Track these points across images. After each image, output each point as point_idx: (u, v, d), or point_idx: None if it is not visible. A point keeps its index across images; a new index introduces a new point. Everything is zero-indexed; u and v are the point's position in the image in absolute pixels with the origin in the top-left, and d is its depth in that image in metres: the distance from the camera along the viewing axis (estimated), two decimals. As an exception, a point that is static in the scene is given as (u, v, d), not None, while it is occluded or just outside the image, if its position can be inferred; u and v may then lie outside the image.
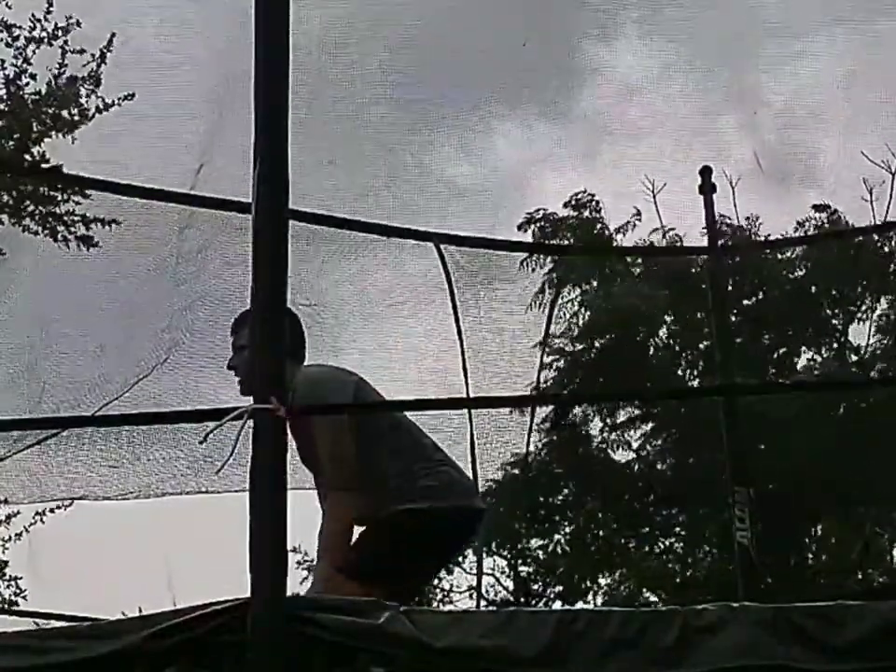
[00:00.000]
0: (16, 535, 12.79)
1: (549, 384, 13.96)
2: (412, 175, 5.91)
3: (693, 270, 12.72)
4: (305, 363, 4.40)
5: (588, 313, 14.22)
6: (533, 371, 6.38)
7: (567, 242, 14.24)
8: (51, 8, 9.94)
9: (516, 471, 14.25)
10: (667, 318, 14.26)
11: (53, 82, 10.07)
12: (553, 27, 5.59)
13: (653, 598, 15.75)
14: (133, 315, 5.41)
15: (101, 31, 9.73)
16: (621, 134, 7.07)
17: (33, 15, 10.01)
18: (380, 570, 4.03)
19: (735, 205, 13.62)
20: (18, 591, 13.34)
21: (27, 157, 9.99)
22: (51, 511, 12.17)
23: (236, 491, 3.28)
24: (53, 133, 10.05)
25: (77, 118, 10.06)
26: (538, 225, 14.08)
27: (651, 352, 14.50)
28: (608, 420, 14.87)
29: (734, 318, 13.30)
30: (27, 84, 10.12)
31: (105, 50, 9.80)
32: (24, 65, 10.09)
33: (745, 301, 13.87)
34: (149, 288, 5.35)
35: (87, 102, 10.06)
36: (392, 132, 5.71)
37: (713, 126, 6.51)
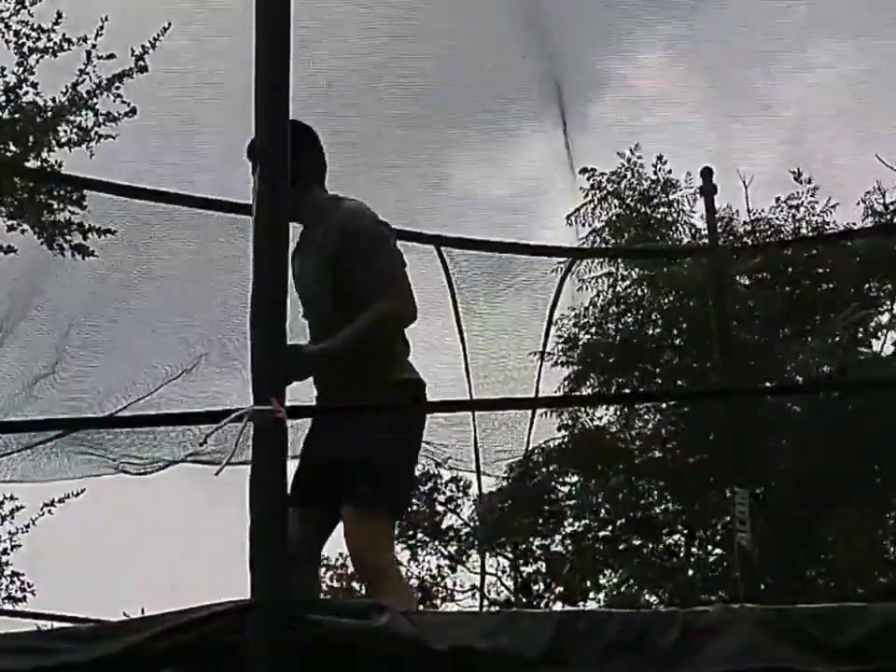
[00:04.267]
0: (24, 527, 12.82)
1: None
2: (430, 185, 5.98)
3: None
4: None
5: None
6: (539, 372, 6.40)
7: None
8: (60, 20, 9.96)
9: (518, 472, 14.28)
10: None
11: (70, 90, 10.08)
12: (570, 39, 5.63)
13: (654, 599, 15.76)
14: (159, 321, 5.48)
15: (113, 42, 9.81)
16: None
17: (40, 26, 10.02)
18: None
19: (747, 207, 13.67)
20: (25, 586, 13.39)
21: (37, 163, 10.01)
22: (60, 500, 12.21)
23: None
24: (68, 142, 10.07)
25: (94, 126, 10.08)
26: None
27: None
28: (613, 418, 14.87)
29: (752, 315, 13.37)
30: (26, 93, 10.14)
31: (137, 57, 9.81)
32: (26, 75, 10.10)
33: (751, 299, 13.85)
34: (174, 297, 5.42)
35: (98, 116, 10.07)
36: (409, 142, 5.77)
37: (728, 131, 6.57)
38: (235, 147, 4.50)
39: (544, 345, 6.22)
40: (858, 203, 13.44)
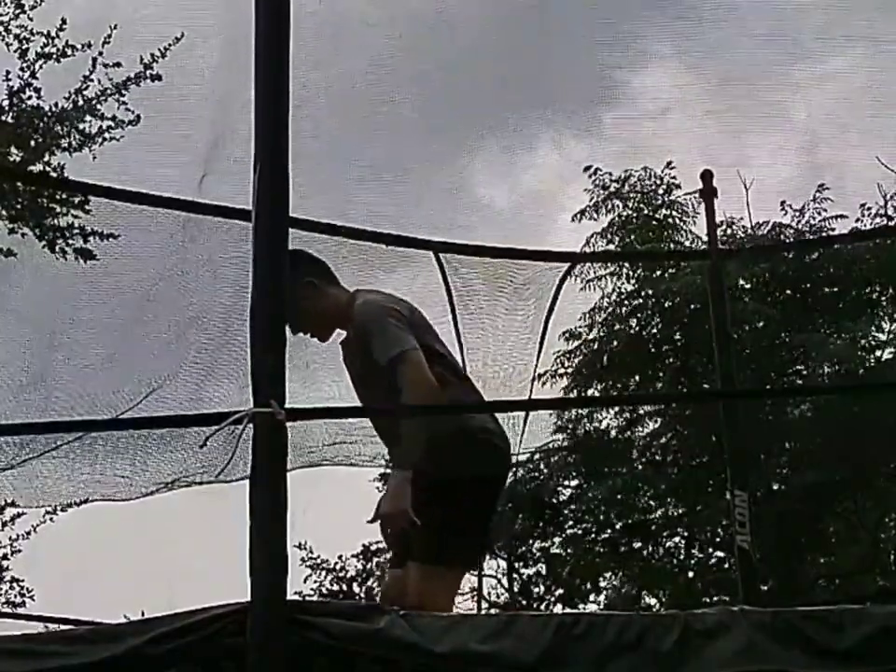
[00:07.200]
0: (25, 533, 12.84)
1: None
2: (441, 194, 6.00)
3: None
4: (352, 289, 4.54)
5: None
6: (535, 374, 6.40)
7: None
8: (64, 25, 10.00)
9: (517, 473, 14.27)
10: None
11: (74, 95, 10.11)
12: (581, 48, 5.66)
13: (653, 601, 15.77)
14: (142, 324, 5.46)
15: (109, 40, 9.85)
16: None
17: (48, 32, 10.07)
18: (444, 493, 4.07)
19: (748, 210, 13.66)
20: (24, 591, 13.40)
21: (39, 167, 10.03)
22: (62, 509, 12.20)
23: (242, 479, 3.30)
24: (69, 147, 10.11)
25: (94, 131, 10.11)
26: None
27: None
28: (614, 421, 14.88)
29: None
30: (30, 98, 10.18)
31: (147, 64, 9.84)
32: (30, 79, 10.14)
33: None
34: (158, 298, 5.40)
35: (98, 120, 10.10)
36: (422, 151, 5.80)
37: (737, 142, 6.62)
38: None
39: (541, 347, 6.22)
40: (867, 212, 13.41)
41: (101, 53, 9.99)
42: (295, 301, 3.83)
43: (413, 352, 4.17)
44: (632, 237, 14.18)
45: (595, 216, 14.26)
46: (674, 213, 14.44)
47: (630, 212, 14.44)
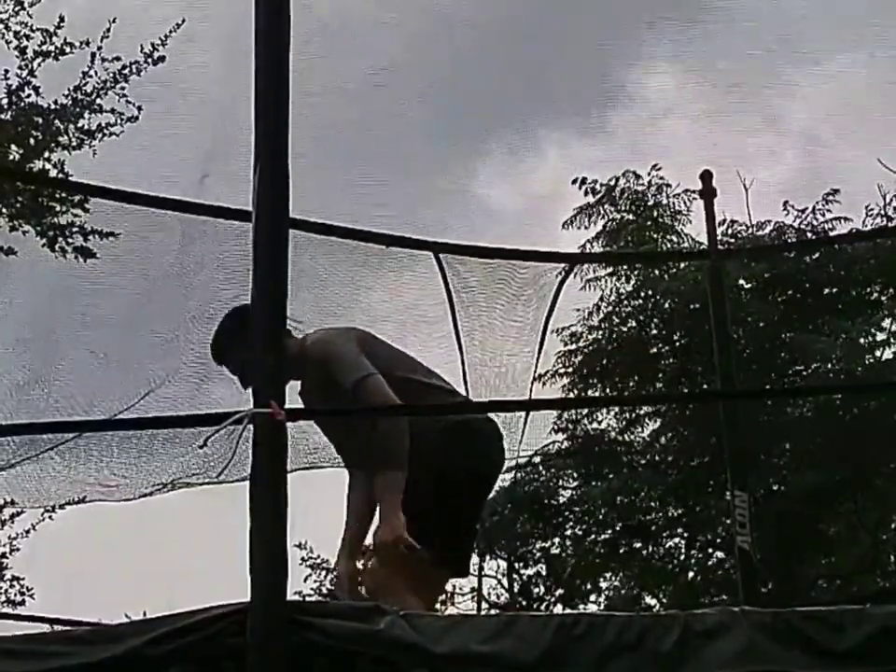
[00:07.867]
0: (24, 531, 12.84)
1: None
2: (446, 194, 6.02)
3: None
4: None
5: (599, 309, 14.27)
6: (534, 374, 6.41)
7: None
8: (62, 24, 10.01)
9: (517, 474, 14.27)
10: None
11: (73, 91, 10.12)
12: (587, 51, 5.69)
13: (653, 602, 15.76)
14: (141, 324, 5.46)
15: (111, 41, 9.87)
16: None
17: (45, 30, 10.08)
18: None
19: (748, 211, 13.66)
20: (24, 590, 13.41)
21: (39, 164, 10.05)
22: (61, 507, 12.19)
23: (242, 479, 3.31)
24: (68, 146, 10.12)
25: (94, 129, 10.12)
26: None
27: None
28: (614, 421, 14.88)
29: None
30: (28, 96, 10.18)
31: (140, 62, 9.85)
32: (29, 77, 10.15)
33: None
34: (157, 298, 5.40)
35: (96, 117, 10.12)
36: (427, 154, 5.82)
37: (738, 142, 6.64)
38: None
39: (541, 347, 6.23)
40: (869, 213, 13.39)
41: (100, 48, 10.00)
42: (248, 357, 3.55)
43: (371, 377, 4.20)
44: (628, 238, 14.17)
45: (587, 223, 14.28)
46: (665, 215, 14.44)
47: (625, 213, 14.43)
